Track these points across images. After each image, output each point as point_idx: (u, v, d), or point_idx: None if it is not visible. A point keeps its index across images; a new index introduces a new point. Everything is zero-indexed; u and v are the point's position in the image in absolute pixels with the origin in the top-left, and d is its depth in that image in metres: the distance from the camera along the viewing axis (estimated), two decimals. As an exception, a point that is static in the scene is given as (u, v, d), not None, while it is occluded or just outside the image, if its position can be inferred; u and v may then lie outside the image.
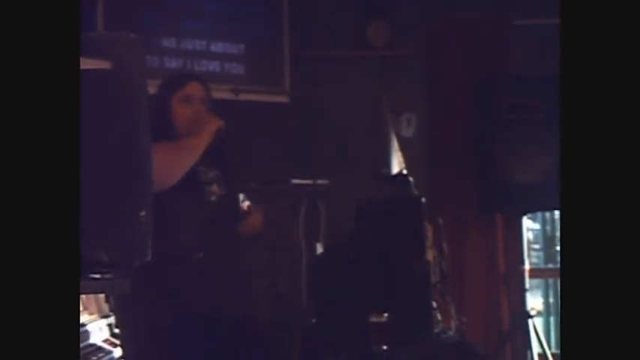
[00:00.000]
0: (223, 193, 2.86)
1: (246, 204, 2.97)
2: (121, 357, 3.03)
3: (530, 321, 4.39)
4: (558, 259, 5.92)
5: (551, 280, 5.96)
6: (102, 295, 3.49)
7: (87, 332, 3.16)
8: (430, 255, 3.18)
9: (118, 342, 3.39)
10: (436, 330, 3.07)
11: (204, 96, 2.88)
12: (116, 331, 3.55)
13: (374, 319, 2.89)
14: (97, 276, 1.76)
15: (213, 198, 2.83)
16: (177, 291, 2.72)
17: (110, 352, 3.24)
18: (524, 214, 4.67)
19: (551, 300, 5.99)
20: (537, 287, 5.94)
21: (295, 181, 3.43)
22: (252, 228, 2.98)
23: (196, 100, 2.85)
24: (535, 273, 5.04)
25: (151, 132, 2.67)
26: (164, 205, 2.62)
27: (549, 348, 4.55)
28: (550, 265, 6.02)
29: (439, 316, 3.17)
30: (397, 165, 3.73)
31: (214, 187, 2.85)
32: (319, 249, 3.45)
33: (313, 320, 3.19)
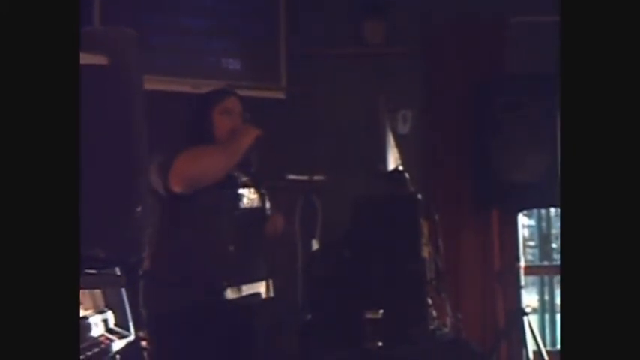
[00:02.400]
0: (252, 197, 3.15)
1: (269, 208, 3.25)
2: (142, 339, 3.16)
3: (525, 318, 4.39)
4: (553, 256, 5.95)
5: (546, 278, 5.98)
6: (97, 291, 3.49)
7: (82, 327, 3.15)
8: (426, 252, 3.18)
9: (113, 337, 3.39)
10: (431, 327, 3.07)
11: (240, 108, 3.18)
12: (111, 326, 3.55)
13: (369, 315, 2.89)
14: (93, 271, 1.77)
15: (245, 201, 3.12)
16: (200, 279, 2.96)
17: (105, 347, 3.24)
18: (520, 211, 4.68)
19: (546, 297, 6.01)
20: (532, 284, 5.96)
21: (291, 177, 3.44)
22: (275, 230, 3.26)
23: (235, 113, 3.15)
24: (530, 270, 5.05)
25: (191, 140, 3.00)
26: (203, 202, 2.95)
27: (544, 345, 4.56)
28: (545, 263, 6.04)
29: (434, 313, 3.17)
30: (393, 162, 3.73)
31: (245, 191, 3.13)
32: (315, 245, 3.45)
33: (309, 316, 3.19)
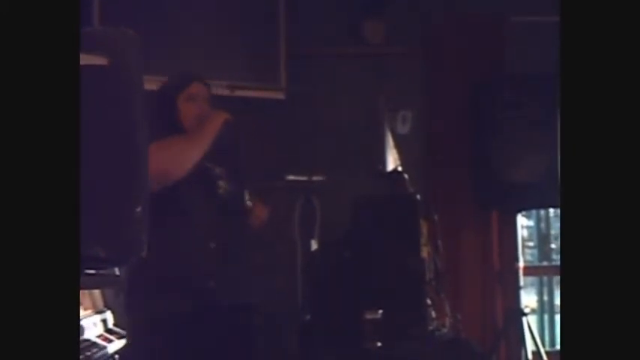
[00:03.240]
0: (230, 189, 2.96)
1: (251, 198, 3.07)
2: (126, 346, 3.09)
3: (524, 318, 4.40)
4: (552, 256, 5.95)
5: (545, 278, 5.99)
6: (96, 291, 3.48)
7: (81, 327, 3.15)
8: (425, 252, 3.18)
9: (112, 337, 3.39)
10: (431, 327, 3.07)
11: (207, 94, 2.99)
12: (110, 326, 3.55)
13: (369, 315, 2.89)
14: (93, 271, 1.77)
15: (221, 192, 2.94)
16: (186, 280, 2.83)
17: (104, 347, 3.24)
18: (519, 211, 4.69)
19: (545, 298, 6.02)
20: (531, 285, 5.97)
21: (291, 177, 3.44)
22: (259, 221, 3.10)
23: (200, 99, 2.96)
24: (529, 270, 5.06)
25: (159, 131, 2.80)
26: (176, 198, 2.78)
27: (543, 346, 4.57)
28: (544, 263, 6.05)
29: (434, 313, 3.17)
30: (393, 162, 3.73)
31: (222, 183, 2.95)
32: (314, 246, 3.45)
33: (308, 317, 3.19)
